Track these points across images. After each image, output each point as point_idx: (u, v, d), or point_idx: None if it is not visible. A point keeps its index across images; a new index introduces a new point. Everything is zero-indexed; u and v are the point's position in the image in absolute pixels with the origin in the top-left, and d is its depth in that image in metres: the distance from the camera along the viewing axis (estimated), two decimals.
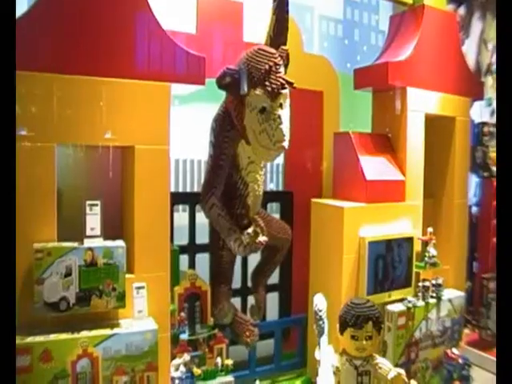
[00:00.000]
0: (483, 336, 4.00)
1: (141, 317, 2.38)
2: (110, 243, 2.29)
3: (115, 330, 2.24)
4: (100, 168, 2.59)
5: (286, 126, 2.38)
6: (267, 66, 2.35)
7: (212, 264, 2.83)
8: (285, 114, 2.39)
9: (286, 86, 2.38)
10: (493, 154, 4.53)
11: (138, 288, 2.39)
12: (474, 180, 4.67)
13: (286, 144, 2.38)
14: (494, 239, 4.15)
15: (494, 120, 4.81)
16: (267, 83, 2.33)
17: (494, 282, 3.95)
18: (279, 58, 2.42)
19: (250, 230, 2.54)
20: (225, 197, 2.59)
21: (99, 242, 2.27)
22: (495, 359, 3.65)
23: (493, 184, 4.36)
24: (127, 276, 2.34)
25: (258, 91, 2.34)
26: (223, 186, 2.58)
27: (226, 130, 2.53)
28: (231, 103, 2.48)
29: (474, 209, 4.56)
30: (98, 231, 2.28)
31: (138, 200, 2.44)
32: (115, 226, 2.56)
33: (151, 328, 2.30)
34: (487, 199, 4.40)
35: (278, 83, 2.35)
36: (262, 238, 2.54)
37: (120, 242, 2.32)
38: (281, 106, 2.36)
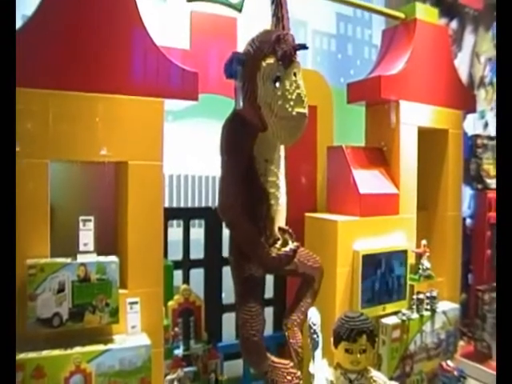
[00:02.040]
0: (479, 348, 4.00)
1: (134, 332, 2.38)
2: (103, 259, 2.30)
3: (108, 346, 2.24)
4: (93, 184, 2.61)
5: (303, 93, 2.14)
6: (275, 36, 2.18)
7: (235, 286, 2.40)
8: (300, 83, 2.15)
9: (298, 49, 2.18)
10: (486, 166, 4.56)
11: (132, 303, 2.39)
12: (468, 192, 4.69)
13: (306, 111, 2.15)
14: (489, 251, 4.17)
15: (487, 132, 4.85)
16: (278, 49, 2.14)
17: (489, 294, 3.95)
18: (286, 33, 2.25)
19: (277, 244, 2.28)
20: (247, 208, 2.25)
21: (92, 258, 2.27)
22: (490, 371, 3.68)
23: (487, 196, 4.38)
24: (120, 291, 2.34)
25: (270, 59, 2.14)
26: (243, 196, 2.25)
27: (239, 131, 2.26)
28: (242, 87, 2.21)
29: (469, 221, 4.58)
30: (91, 247, 2.28)
31: (131, 215, 2.45)
32: (108, 241, 2.56)
33: (144, 343, 2.30)
34: (481, 211, 4.41)
35: (290, 47, 2.15)
36: (293, 245, 2.29)
37: (113, 258, 2.32)
38: (295, 75, 2.14)
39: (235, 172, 2.25)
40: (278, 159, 2.38)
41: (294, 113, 2.10)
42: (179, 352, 2.61)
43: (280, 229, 2.37)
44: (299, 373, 2.45)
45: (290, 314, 2.65)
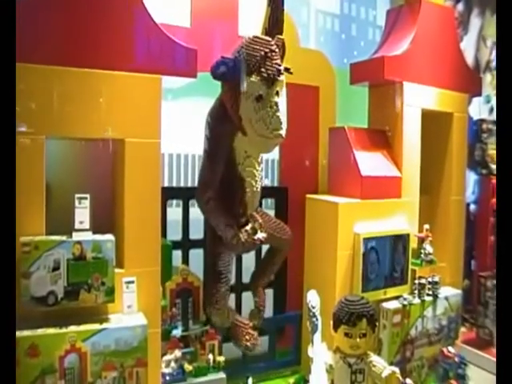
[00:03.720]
0: (481, 335, 3.96)
1: (130, 312, 2.34)
2: (99, 237, 2.25)
3: (104, 325, 2.20)
4: (90, 161, 2.57)
5: (283, 114, 2.29)
6: (263, 53, 2.26)
7: (207, 262, 2.74)
8: (281, 101, 2.30)
9: (283, 72, 2.29)
10: (491, 152, 4.50)
11: (128, 283, 2.35)
12: (472, 177, 4.64)
13: (283, 132, 2.29)
14: (492, 237, 4.12)
15: (492, 117, 4.78)
16: (263, 69, 2.24)
17: (491, 281, 3.90)
18: (275, 46, 2.33)
19: (248, 227, 2.47)
20: (221, 193, 2.49)
21: (88, 236, 2.23)
22: (492, 358, 3.64)
23: (491, 181, 4.32)
24: (117, 271, 2.31)
25: (254, 78, 2.24)
26: (219, 181, 2.48)
27: (222, 123, 2.43)
28: (226, 93, 2.39)
29: (473, 206, 4.53)
30: (86, 225, 2.24)
31: (128, 193, 2.41)
32: (105, 220, 2.52)
33: (141, 323, 2.26)
34: (485, 197, 4.36)
35: (274, 69, 2.26)
36: (261, 235, 2.49)
37: (109, 236, 2.28)
38: (277, 93, 2.27)
39: (214, 160, 2.45)
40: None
41: (271, 134, 2.25)
42: (177, 333, 2.58)
43: (252, 216, 2.57)
44: (256, 334, 2.74)
45: (257, 278, 2.94)
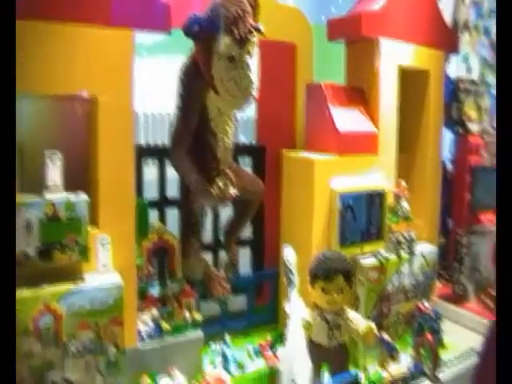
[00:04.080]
0: (456, 290, 4.03)
1: (105, 271, 2.32)
2: (72, 196, 2.20)
3: (79, 285, 2.17)
4: (62, 120, 2.50)
5: (254, 74, 2.34)
6: (235, 13, 2.26)
7: (181, 218, 2.80)
8: (253, 62, 2.34)
9: (255, 33, 2.31)
10: (468, 111, 4.51)
11: (102, 241, 2.32)
12: (449, 136, 4.65)
13: (254, 92, 2.36)
14: (468, 195, 4.16)
15: (469, 76, 4.79)
16: (235, 30, 2.26)
17: (467, 237, 3.96)
18: (248, 5, 2.33)
19: (219, 183, 2.52)
20: (194, 149, 2.55)
21: (61, 195, 2.18)
22: (466, 312, 3.73)
23: (468, 140, 4.35)
24: (91, 230, 2.27)
25: (226, 39, 2.27)
26: (192, 137, 2.54)
27: (194, 80, 2.47)
28: (199, 52, 2.41)
29: (449, 165, 4.55)
30: (58, 183, 2.19)
31: (101, 151, 2.36)
32: (78, 179, 2.46)
33: (116, 282, 2.25)
34: (462, 155, 4.38)
35: (247, 30, 2.27)
36: (232, 191, 2.55)
37: (83, 195, 2.23)
38: (249, 53, 2.31)
39: (186, 116, 2.51)
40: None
41: (242, 94, 2.33)
42: (154, 291, 2.57)
43: (224, 172, 2.63)
44: (229, 286, 2.84)
45: (229, 231, 3.02)
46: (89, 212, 2.23)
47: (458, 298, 3.96)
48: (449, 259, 4.18)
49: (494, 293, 3.89)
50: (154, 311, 2.51)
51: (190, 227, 2.73)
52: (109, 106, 2.35)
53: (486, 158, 4.54)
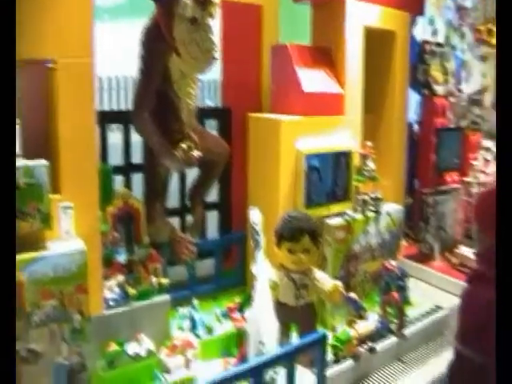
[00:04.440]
0: (422, 249, 4.10)
1: (68, 238, 2.26)
2: (31, 162, 2.13)
3: (41, 253, 2.11)
4: (19, 85, 2.40)
5: (216, 36, 2.34)
6: None
7: (145, 181, 2.77)
8: (215, 24, 2.35)
9: None
10: (434, 73, 4.54)
11: (65, 208, 2.26)
12: (415, 98, 4.68)
13: (216, 54, 2.36)
14: (434, 156, 4.20)
15: (435, 39, 4.80)
16: None
17: (432, 197, 4.01)
18: None
19: (183, 145, 2.50)
20: (157, 112, 2.51)
21: (19, 161, 2.11)
22: (432, 271, 3.82)
23: (433, 102, 4.38)
24: (52, 196, 2.20)
25: (188, 0, 2.26)
26: (155, 100, 2.50)
27: (156, 42, 2.44)
28: (160, 14, 2.39)
29: (416, 127, 4.59)
30: (16, 149, 2.12)
31: (62, 116, 2.27)
32: (38, 145, 2.40)
33: (79, 248, 2.19)
34: (427, 117, 4.42)
35: None
36: (196, 153, 2.52)
37: (42, 161, 2.16)
38: (211, 15, 2.32)
39: (149, 79, 2.48)
40: None
41: (204, 57, 2.34)
42: (120, 258, 2.54)
43: (188, 135, 2.61)
44: (195, 248, 2.81)
45: (194, 193, 2.99)
46: (50, 179, 2.16)
47: (424, 257, 4.03)
48: (415, 219, 4.25)
49: (457, 251, 3.99)
50: (120, 277, 2.48)
51: (155, 191, 2.71)
52: (68, 69, 2.26)
53: (451, 119, 4.59)
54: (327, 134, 3.03)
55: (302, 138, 2.90)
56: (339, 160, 3.03)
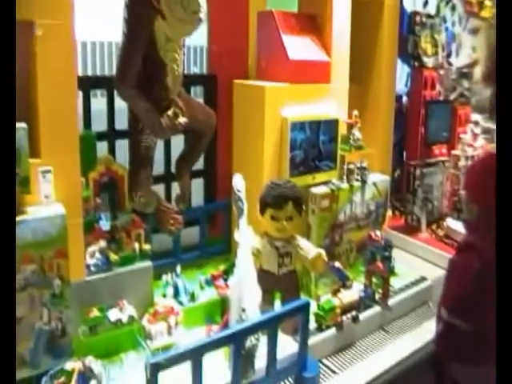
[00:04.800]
0: (409, 221, 4.10)
1: (48, 202, 2.23)
2: None
3: (20, 217, 2.07)
4: None
5: None
6: None
7: (130, 149, 2.68)
8: None
9: None
10: (424, 45, 4.51)
11: (44, 172, 2.23)
12: (405, 70, 4.65)
13: (202, 15, 2.32)
14: (422, 128, 4.19)
15: (426, 10, 4.75)
16: None
17: (420, 169, 4.00)
18: None
19: (169, 112, 2.44)
20: (142, 78, 2.43)
21: None
22: (418, 242, 3.85)
23: (423, 74, 4.35)
24: (32, 160, 2.17)
25: None
26: (140, 66, 2.42)
27: (141, 5, 2.35)
28: None
29: (405, 98, 4.56)
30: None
31: (41, 79, 2.22)
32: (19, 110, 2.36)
33: (59, 213, 2.15)
34: (416, 89, 4.39)
35: None
36: (182, 119, 2.45)
37: (21, 124, 2.12)
38: None
39: (133, 43, 2.39)
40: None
41: (189, 18, 2.31)
42: (102, 224, 2.51)
43: (174, 101, 2.53)
44: (181, 218, 2.77)
45: (182, 163, 2.91)
46: (30, 143, 2.13)
47: (411, 229, 4.03)
48: (403, 191, 4.24)
49: (444, 223, 4.00)
50: (103, 243, 2.46)
51: (140, 159, 2.62)
52: (48, 30, 2.21)
53: (441, 91, 4.57)
54: (313, 103, 3.00)
55: (288, 106, 2.87)
56: (325, 128, 3.00)
